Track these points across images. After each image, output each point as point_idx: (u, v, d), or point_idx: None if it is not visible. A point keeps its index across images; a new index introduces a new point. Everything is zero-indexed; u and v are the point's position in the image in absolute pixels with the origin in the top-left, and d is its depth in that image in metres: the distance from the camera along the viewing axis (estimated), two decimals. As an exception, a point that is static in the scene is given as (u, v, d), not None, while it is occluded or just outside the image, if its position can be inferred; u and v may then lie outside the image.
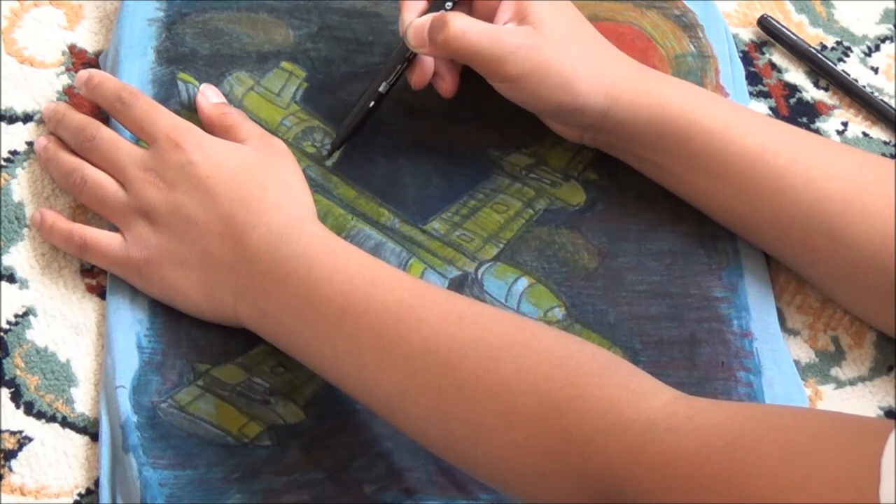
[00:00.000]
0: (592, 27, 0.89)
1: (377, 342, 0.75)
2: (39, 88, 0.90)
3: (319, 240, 0.80)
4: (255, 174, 0.82)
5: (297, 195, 0.83)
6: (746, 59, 0.99)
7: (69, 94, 0.90)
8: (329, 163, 0.89)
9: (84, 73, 0.87)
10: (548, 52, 0.85)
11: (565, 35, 0.86)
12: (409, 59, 0.88)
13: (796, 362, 0.87)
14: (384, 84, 0.89)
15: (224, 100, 0.89)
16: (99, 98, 0.86)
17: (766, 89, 0.98)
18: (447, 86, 0.89)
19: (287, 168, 0.84)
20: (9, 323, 0.82)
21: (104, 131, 0.85)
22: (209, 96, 0.88)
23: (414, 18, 0.87)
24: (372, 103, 0.89)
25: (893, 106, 0.98)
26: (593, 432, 0.70)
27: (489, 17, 0.87)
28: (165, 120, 0.84)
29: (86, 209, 0.85)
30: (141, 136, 0.85)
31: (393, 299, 0.76)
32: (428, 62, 0.89)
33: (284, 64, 0.92)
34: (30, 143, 0.88)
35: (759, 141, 0.86)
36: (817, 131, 0.97)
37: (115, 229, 0.83)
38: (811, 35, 1.01)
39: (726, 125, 0.86)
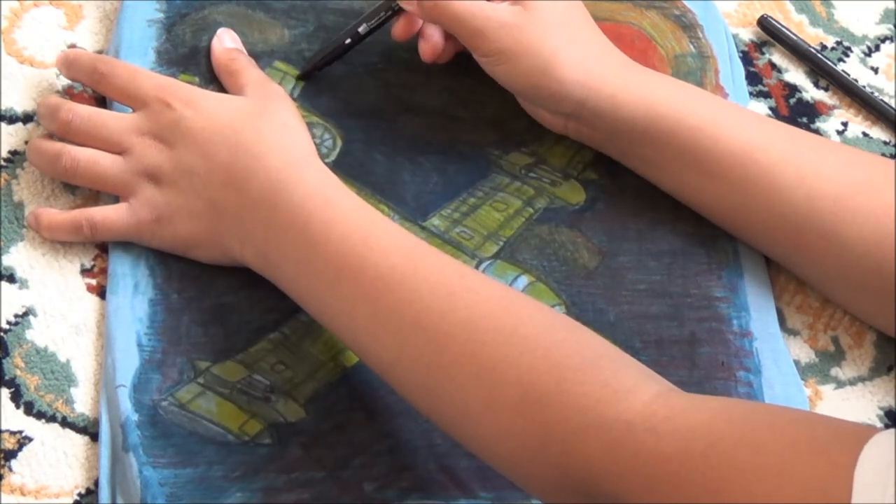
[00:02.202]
0: (593, 24, 0.89)
1: (370, 310, 0.76)
2: (39, 88, 0.90)
3: (317, 188, 0.80)
4: (251, 118, 0.83)
5: (295, 135, 0.83)
6: (746, 59, 0.99)
7: (69, 95, 0.90)
8: (329, 160, 0.89)
9: (61, 55, 0.88)
10: (531, 33, 0.85)
11: (555, 22, 0.86)
12: (396, 10, 0.89)
13: (796, 362, 0.87)
14: (364, 25, 0.90)
15: (240, 45, 0.90)
16: (78, 75, 0.87)
17: (766, 89, 0.98)
18: (428, 48, 0.90)
19: (284, 109, 0.84)
20: (9, 323, 0.82)
21: (80, 109, 0.85)
22: (224, 40, 0.90)
23: None
24: (349, 40, 0.90)
25: (893, 106, 0.98)
26: (573, 430, 0.70)
27: None
28: (149, 81, 0.85)
29: (84, 204, 0.85)
30: (128, 103, 0.85)
31: (386, 266, 0.76)
32: (417, 19, 0.89)
33: (278, 64, 0.92)
34: (30, 144, 0.88)
35: (747, 139, 0.86)
36: (817, 131, 0.97)
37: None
38: (811, 35, 1.01)
39: (714, 123, 0.86)
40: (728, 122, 0.86)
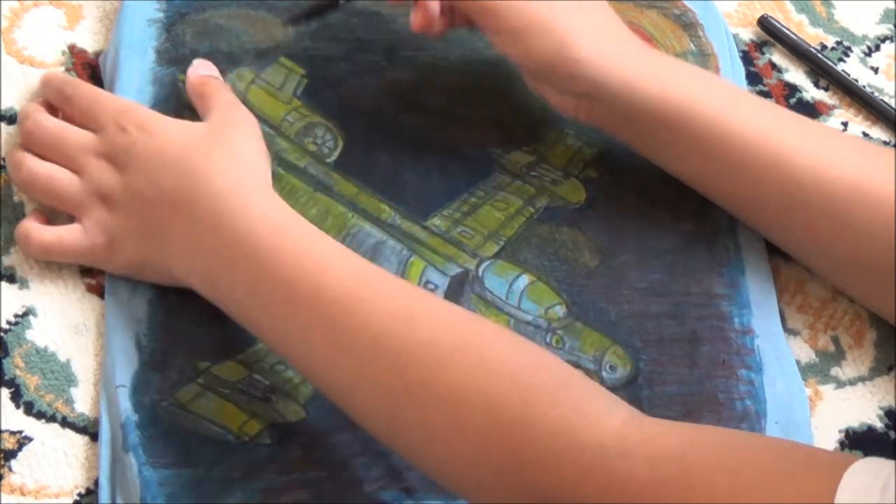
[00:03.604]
0: (609, 7, 0.89)
1: (327, 334, 0.75)
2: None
3: (264, 214, 0.79)
4: (202, 143, 0.82)
5: (244, 158, 0.82)
6: (746, 58, 0.99)
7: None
8: (330, 160, 0.89)
9: (42, 77, 0.87)
10: (546, 11, 0.85)
11: (570, 2, 0.86)
12: None
13: (797, 362, 0.87)
14: None
15: (216, 73, 0.89)
16: (50, 96, 0.86)
17: (766, 89, 0.98)
18: (420, 19, 0.88)
19: (240, 133, 0.83)
20: (9, 323, 0.82)
21: (45, 121, 0.85)
22: (198, 68, 0.89)
23: None
24: None
25: (893, 106, 0.98)
26: (545, 453, 0.69)
27: None
28: (110, 105, 0.84)
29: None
30: (89, 125, 0.84)
31: (342, 290, 0.75)
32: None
33: (282, 59, 0.92)
34: (30, 144, 0.88)
35: (761, 126, 0.86)
36: (817, 131, 0.97)
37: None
38: (811, 35, 1.01)
39: (728, 110, 0.86)
40: (742, 110, 0.86)
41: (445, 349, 0.73)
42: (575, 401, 0.71)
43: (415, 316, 0.74)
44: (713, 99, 0.86)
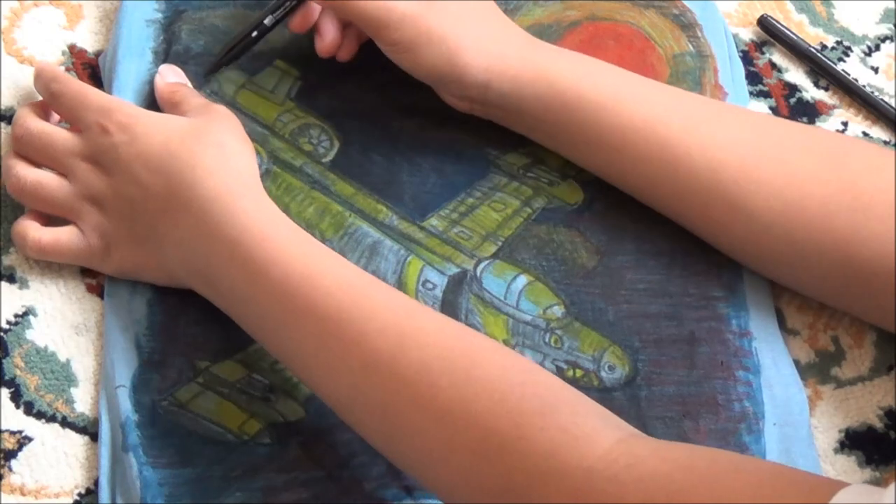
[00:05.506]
0: (494, 5, 0.90)
1: (320, 350, 0.75)
2: (39, 89, 0.90)
3: (252, 221, 0.78)
4: (187, 140, 0.81)
5: (232, 155, 0.81)
6: (746, 58, 0.99)
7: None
8: (326, 160, 0.89)
9: (35, 68, 0.86)
10: (433, 21, 0.85)
11: (457, 8, 0.86)
12: (301, 0, 0.89)
13: (796, 362, 0.87)
14: (270, 17, 0.90)
15: (184, 79, 0.89)
16: (40, 91, 0.86)
17: (766, 89, 0.98)
18: (324, 46, 0.90)
19: (224, 128, 0.83)
20: (9, 323, 0.82)
21: (32, 124, 0.84)
22: (166, 76, 0.88)
23: None
24: (255, 33, 0.90)
25: (893, 106, 0.98)
26: (535, 476, 0.69)
27: None
28: (94, 103, 0.83)
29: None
30: (74, 124, 0.84)
31: (333, 305, 0.75)
32: (314, 11, 0.89)
33: (277, 62, 0.92)
34: (30, 144, 0.88)
35: (649, 111, 0.85)
36: (817, 131, 0.97)
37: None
38: (811, 35, 1.01)
39: (616, 97, 0.86)
40: (630, 96, 0.86)
41: (436, 371, 0.73)
42: (564, 423, 0.71)
43: (404, 333, 0.74)
44: (601, 86, 0.86)
